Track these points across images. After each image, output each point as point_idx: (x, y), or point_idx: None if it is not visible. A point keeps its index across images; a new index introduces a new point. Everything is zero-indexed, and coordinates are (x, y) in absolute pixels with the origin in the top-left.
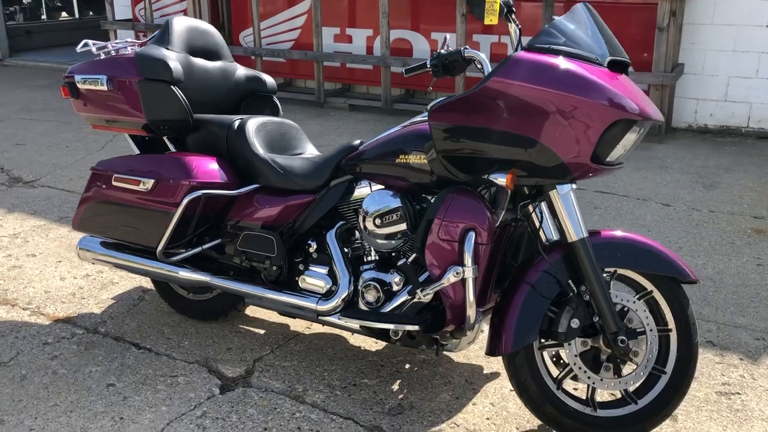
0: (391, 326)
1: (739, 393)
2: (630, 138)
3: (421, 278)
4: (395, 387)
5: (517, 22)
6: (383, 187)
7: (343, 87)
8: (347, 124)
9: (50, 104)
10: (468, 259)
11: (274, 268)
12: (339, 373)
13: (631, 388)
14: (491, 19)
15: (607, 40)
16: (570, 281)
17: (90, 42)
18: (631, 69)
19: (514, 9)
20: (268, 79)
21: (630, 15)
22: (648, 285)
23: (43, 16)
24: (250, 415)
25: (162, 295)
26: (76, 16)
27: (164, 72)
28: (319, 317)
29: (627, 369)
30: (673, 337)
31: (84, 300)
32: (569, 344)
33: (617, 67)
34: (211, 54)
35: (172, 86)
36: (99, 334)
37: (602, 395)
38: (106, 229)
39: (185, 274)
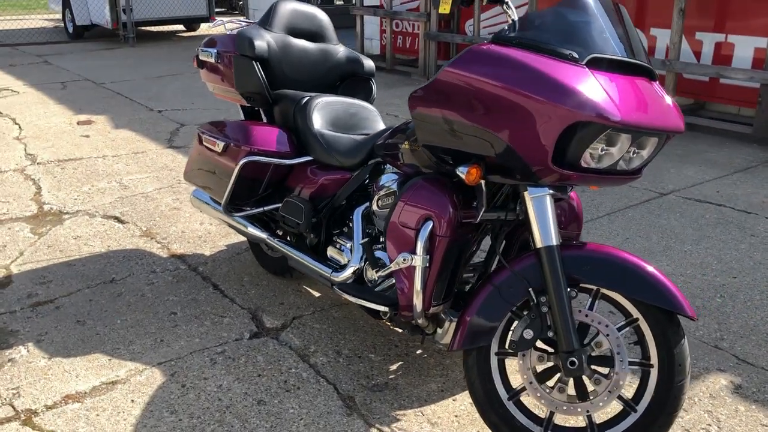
0: (362, 302)
1: None
2: (619, 145)
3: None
4: (393, 367)
5: (512, 11)
6: (395, 170)
7: None
8: None
9: None
10: (420, 247)
11: (302, 234)
12: (353, 344)
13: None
14: (444, 8)
15: (622, 38)
16: (531, 289)
17: (223, 20)
18: None
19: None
20: (367, 62)
21: None
22: (634, 312)
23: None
24: (255, 361)
25: (252, 250)
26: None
27: (249, 48)
28: (333, 286)
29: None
30: (653, 373)
31: (204, 243)
32: (524, 355)
33: (624, 69)
34: (314, 35)
35: (253, 62)
36: (194, 272)
37: (567, 420)
38: (198, 181)
39: (249, 229)
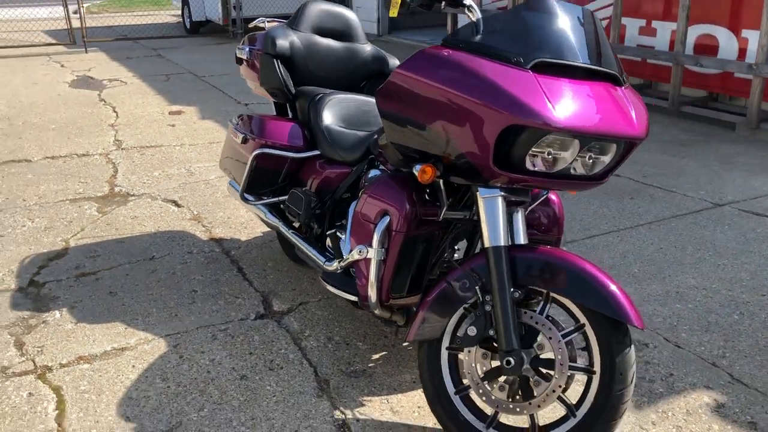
0: (337, 292)
1: None
2: (571, 150)
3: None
4: (376, 356)
5: (475, 12)
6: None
7: (644, 83)
8: None
9: None
10: (375, 240)
11: (303, 225)
12: (346, 331)
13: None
14: (393, 11)
15: (584, 43)
16: (478, 288)
17: (264, 19)
18: None
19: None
20: (392, 61)
21: None
22: (582, 317)
23: None
24: (251, 340)
25: (278, 238)
26: None
27: (271, 47)
28: (320, 275)
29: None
30: (595, 380)
31: (244, 229)
32: (469, 352)
33: (582, 74)
34: (342, 35)
35: (274, 59)
36: (225, 255)
37: (515, 420)
38: (227, 169)
39: (266, 217)
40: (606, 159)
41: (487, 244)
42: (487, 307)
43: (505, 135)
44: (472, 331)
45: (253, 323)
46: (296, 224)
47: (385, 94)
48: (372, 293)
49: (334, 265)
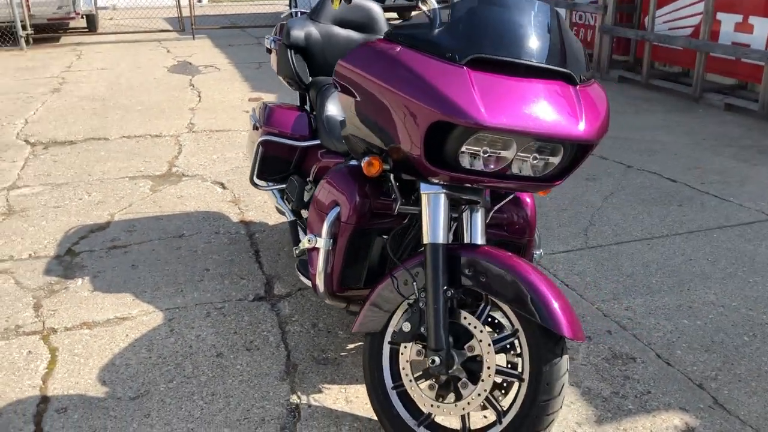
0: (301, 277)
1: None
2: (512, 149)
3: None
4: (351, 346)
5: (429, 5)
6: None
7: (737, 84)
8: (695, 126)
9: None
10: (324, 230)
11: (294, 213)
12: (333, 320)
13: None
14: (335, 4)
15: (535, 40)
16: (415, 284)
17: (298, 10)
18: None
19: None
20: None
21: None
22: (516, 323)
23: None
24: (240, 320)
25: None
26: None
27: (285, 37)
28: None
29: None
30: (523, 388)
31: (275, 215)
32: (405, 347)
33: (528, 72)
34: (363, 27)
35: (288, 49)
36: (248, 238)
37: (450, 422)
38: (247, 154)
39: (275, 202)
40: (556, 160)
41: (426, 240)
42: (422, 304)
43: (439, 132)
44: (407, 327)
45: (249, 304)
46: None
47: (336, 85)
48: (319, 282)
49: (296, 253)
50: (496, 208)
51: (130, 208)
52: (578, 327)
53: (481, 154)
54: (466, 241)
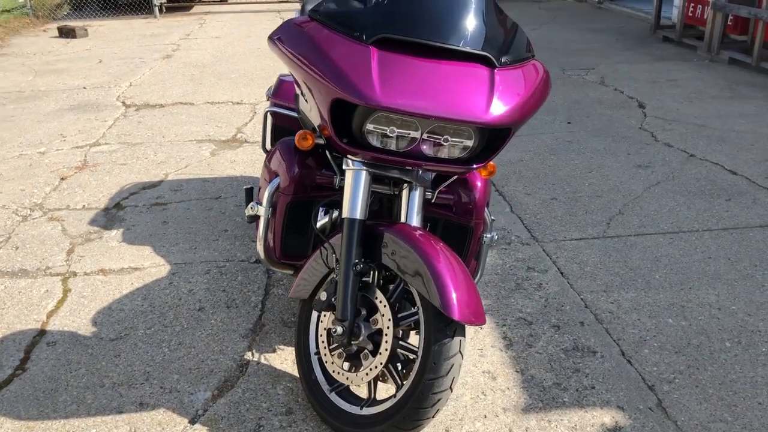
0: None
1: None
2: (420, 131)
3: None
4: None
5: None
6: None
7: None
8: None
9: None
10: (264, 198)
11: None
12: None
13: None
14: None
15: (452, 22)
16: (335, 256)
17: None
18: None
19: None
20: None
21: None
22: (417, 301)
23: None
24: (234, 279)
25: None
26: None
27: (301, 12)
28: None
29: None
30: (416, 365)
31: None
32: (324, 315)
33: (439, 53)
34: None
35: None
36: None
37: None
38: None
39: None
40: (470, 143)
41: (344, 214)
42: (335, 275)
43: (349, 110)
44: (323, 296)
45: (248, 265)
46: None
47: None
48: (260, 248)
49: (246, 219)
50: (440, 188)
51: (186, 169)
52: (475, 311)
53: (389, 133)
54: (402, 220)
